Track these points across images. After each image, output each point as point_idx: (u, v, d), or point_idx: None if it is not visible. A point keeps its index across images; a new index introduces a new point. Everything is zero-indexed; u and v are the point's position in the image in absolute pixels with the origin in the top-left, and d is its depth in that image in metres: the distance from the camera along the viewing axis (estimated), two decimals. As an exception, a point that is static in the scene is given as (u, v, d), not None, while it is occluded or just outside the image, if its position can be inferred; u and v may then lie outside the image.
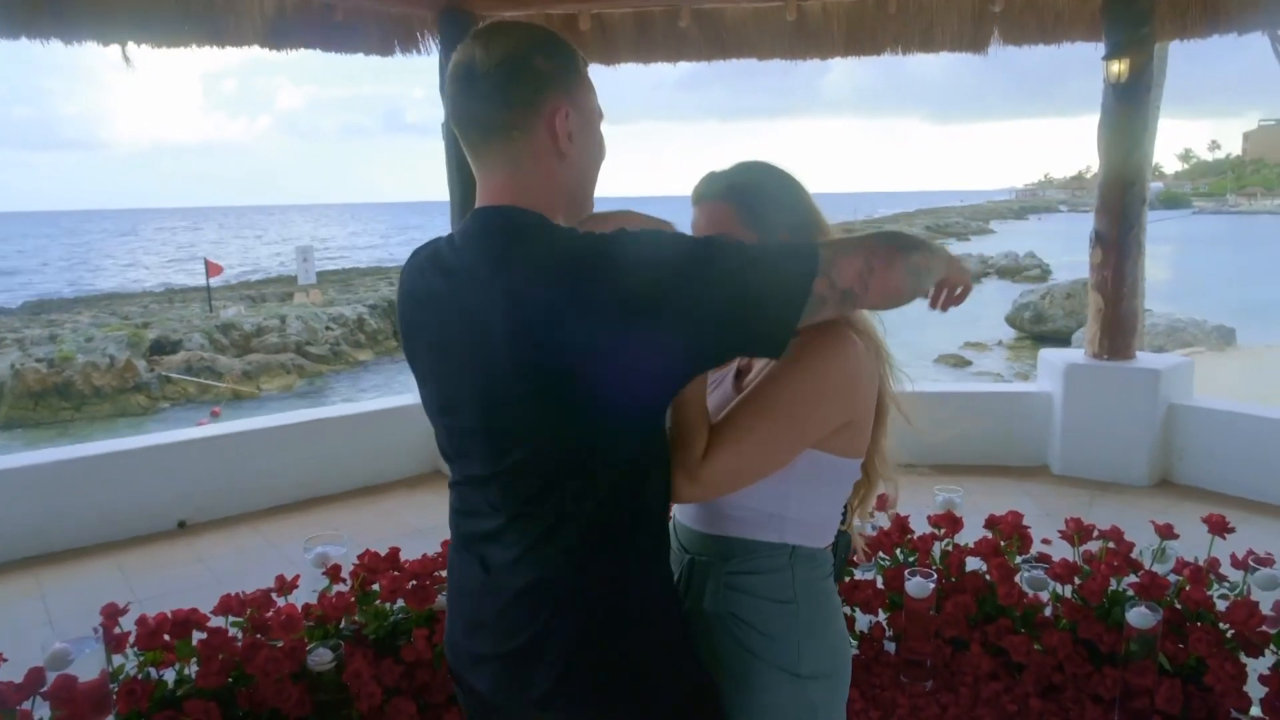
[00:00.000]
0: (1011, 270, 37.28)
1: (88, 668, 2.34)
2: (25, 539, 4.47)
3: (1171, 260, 40.23)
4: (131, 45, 4.83)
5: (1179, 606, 2.84)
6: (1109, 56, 5.18)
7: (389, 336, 23.88)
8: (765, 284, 1.26)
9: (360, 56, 5.86)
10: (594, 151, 1.40)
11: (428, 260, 1.40)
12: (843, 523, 1.64)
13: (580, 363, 1.20)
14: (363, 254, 66.92)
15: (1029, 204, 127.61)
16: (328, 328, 22.44)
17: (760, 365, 1.56)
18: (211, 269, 26.66)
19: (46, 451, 4.91)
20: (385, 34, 5.68)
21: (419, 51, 5.84)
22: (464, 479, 1.41)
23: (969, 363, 20.21)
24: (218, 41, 5.05)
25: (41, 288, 47.19)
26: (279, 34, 5.20)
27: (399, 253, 65.19)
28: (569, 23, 5.89)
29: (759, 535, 1.51)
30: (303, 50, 5.41)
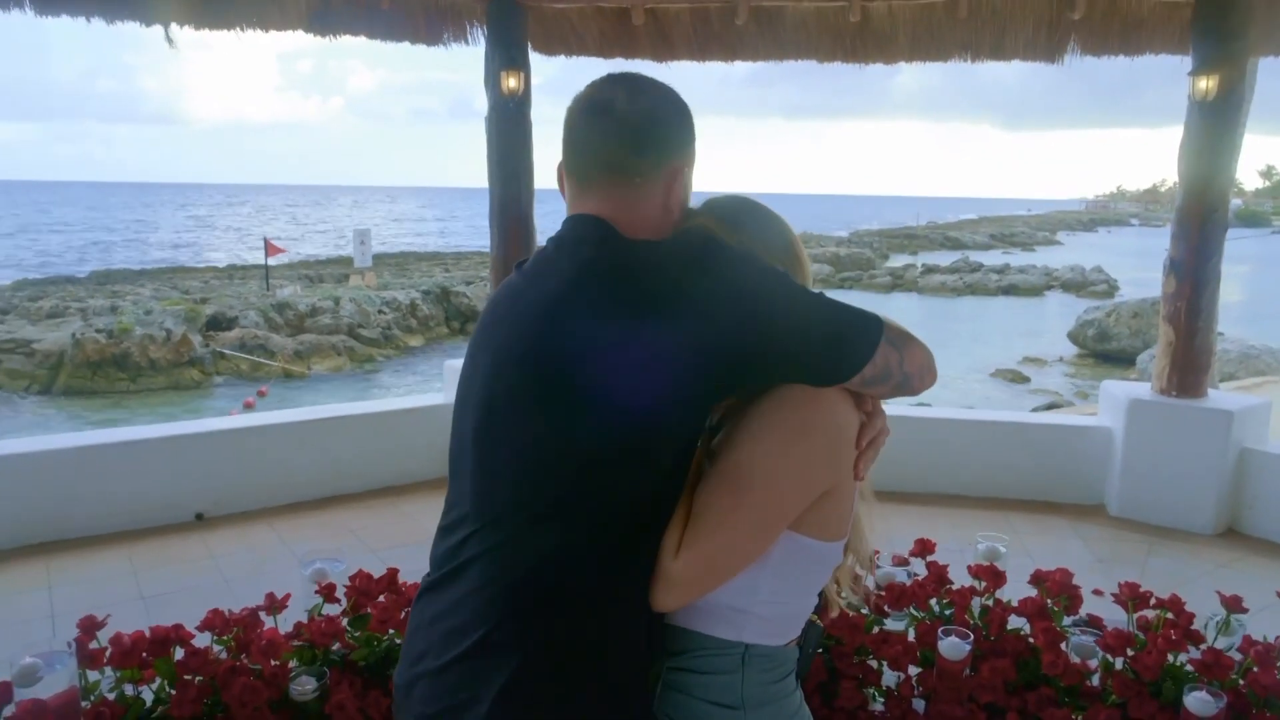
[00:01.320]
0: (1077, 285, 36.31)
1: (58, 684, 2.22)
2: (39, 525, 4.44)
3: (1247, 281, 38.70)
4: (175, 26, 4.76)
5: (1244, 689, 2.56)
6: (1196, 71, 4.81)
7: (440, 323, 24.05)
8: (824, 316, 1.27)
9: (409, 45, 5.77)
10: (682, 210, 1.43)
11: (519, 265, 1.44)
12: (815, 610, 1.41)
13: (580, 365, 1.21)
14: (421, 238, 67.61)
15: (1099, 216, 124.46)
16: (380, 311, 22.66)
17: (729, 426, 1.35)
18: (271, 249, 27.06)
19: (66, 437, 4.90)
20: (433, 23, 5.56)
21: (467, 41, 5.72)
22: (454, 482, 1.40)
23: (1027, 379, 19.64)
24: (261, 25, 4.97)
25: (110, 258, 48.54)
26: (323, 20, 5.10)
27: (456, 240, 65.76)
28: (622, 17, 5.69)
29: (712, 630, 1.30)
30: (347, 37, 5.30)
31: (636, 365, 1.20)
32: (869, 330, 1.27)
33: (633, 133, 1.34)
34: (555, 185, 1.47)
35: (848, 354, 1.26)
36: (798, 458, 1.23)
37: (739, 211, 1.42)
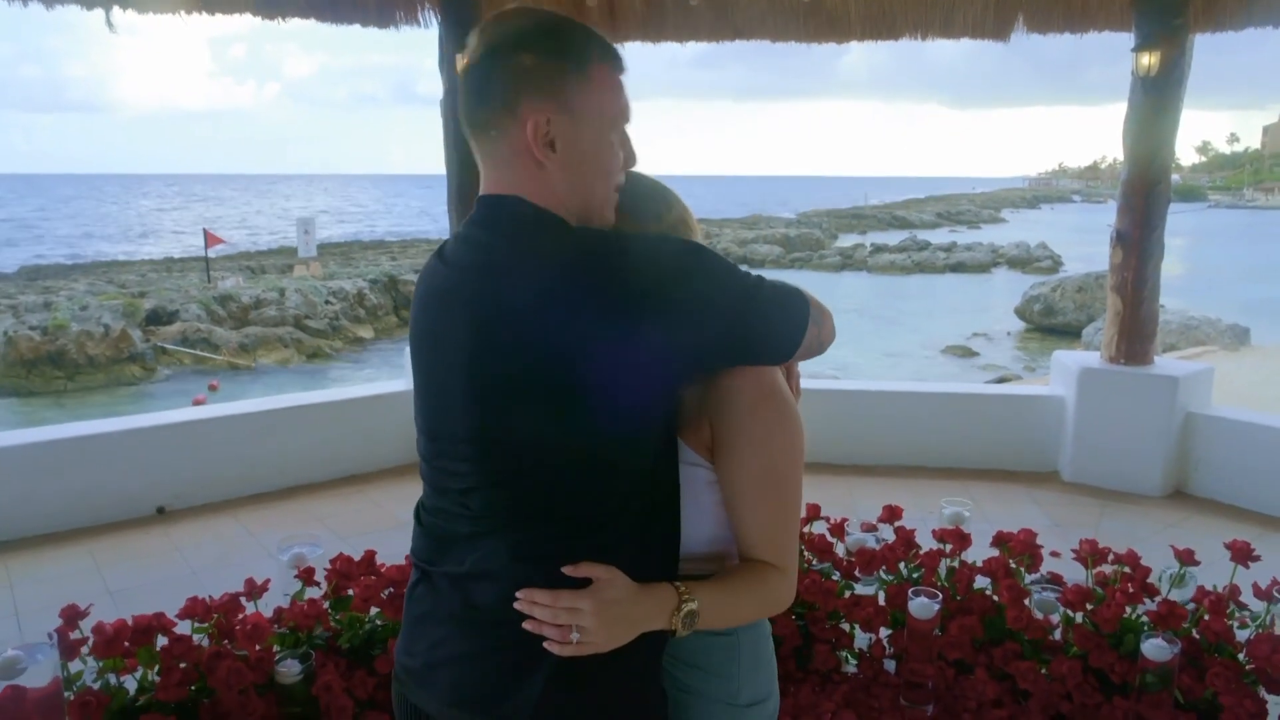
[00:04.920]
0: (1022, 261, 37.02)
1: (41, 676, 2.20)
2: (-3, 523, 4.33)
3: (1185, 255, 39.83)
4: (117, 9, 4.64)
5: (1197, 636, 2.69)
6: (1139, 48, 4.95)
7: (389, 312, 23.69)
8: (772, 301, 1.31)
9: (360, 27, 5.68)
10: (597, 160, 1.27)
11: (439, 253, 1.35)
12: None
13: (582, 362, 1.15)
14: (366, 227, 66.65)
15: (1042, 193, 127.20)
16: (327, 301, 22.23)
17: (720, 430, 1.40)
18: (210, 240, 26.43)
19: (20, 433, 4.76)
20: (385, 5, 5.46)
21: (419, 23, 5.63)
22: (441, 488, 1.32)
23: (977, 354, 20.05)
24: (207, 9, 4.84)
25: (40, 252, 46.96)
26: (271, 2, 4.99)
27: (403, 226, 64.99)
28: (575, -1, 5.67)
29: (703, 569, 1.42)
30: (296, 20, 5.20)
31: (631, 365, 1.18)
32: (802, 308, 1.34)
33: (477, 80, 1.23)
34: None
35: (792, 333, 1.33)
36: (799, 440, 1.40)
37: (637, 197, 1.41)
